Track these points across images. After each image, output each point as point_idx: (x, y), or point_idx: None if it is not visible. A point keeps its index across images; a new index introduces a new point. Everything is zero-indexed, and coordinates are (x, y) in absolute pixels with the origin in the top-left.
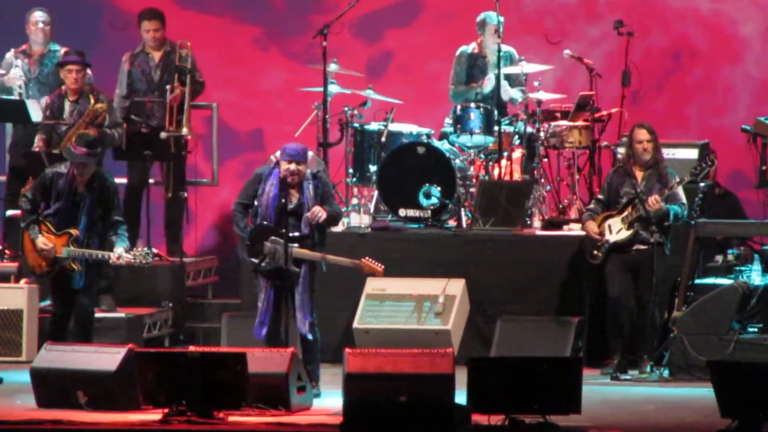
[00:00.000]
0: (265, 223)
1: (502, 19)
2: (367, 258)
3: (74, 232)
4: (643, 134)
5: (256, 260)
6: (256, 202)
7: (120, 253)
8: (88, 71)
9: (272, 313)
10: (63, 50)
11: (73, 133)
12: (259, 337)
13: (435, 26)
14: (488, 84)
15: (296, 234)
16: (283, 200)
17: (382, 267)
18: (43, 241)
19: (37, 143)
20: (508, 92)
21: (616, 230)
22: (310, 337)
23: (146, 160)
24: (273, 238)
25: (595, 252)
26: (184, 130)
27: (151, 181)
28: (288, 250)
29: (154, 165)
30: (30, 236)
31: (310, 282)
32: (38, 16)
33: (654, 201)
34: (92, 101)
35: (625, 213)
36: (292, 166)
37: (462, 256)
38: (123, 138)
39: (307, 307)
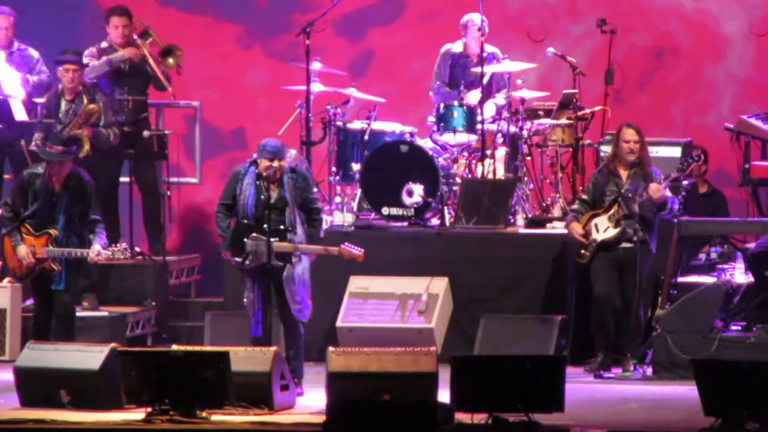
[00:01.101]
0: (244, 221)
1: (485, 19)
2: (345, 244)
3: (53, 232)
4: (630, 134)
5: (239, 260)
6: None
7: (98, 249)
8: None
9: (260, 310)
10: (28, 48)
11: (68, 132)
12: (257, 334)
13: (418, 25)
14: (471, 99)
15: (279, 228)
16: (262, 196)
17: (362, 251)
18: (25, 251)
19: (36, 140)
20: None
21: (603, 228)
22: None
23: (121, 159)
24: (254, 235)
25: (583, 251)
26: (169, 89)
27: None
28: (270, 246)
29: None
30: (12, 243)
31: (300, 273)
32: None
33: (656, 188)
34: (86, 101)
35: (612, 211)
36: (275, 163)
37: (445, 255)
38: (119, 138)
39: (300, 296)
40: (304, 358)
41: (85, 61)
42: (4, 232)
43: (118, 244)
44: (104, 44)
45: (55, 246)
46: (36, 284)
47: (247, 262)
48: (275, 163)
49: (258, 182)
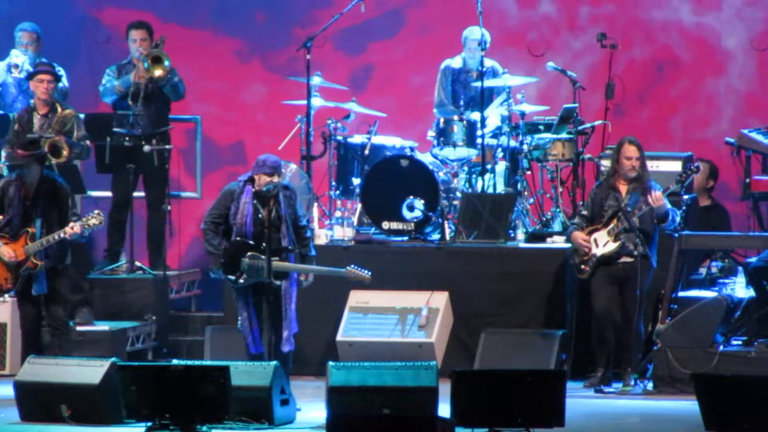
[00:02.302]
0: (239, 239)
1: (488, 34)
2: (352, 266)
3: (31, 230)
4: (632, 151)
5: (233, 277)
6: (230, 221)
7: (71, 224)
8: (62, 83)
9: (258, 328)
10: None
11: (44, 143)
12: (258, 351)
13: (418, 39)
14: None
15: (280, 247)
16: (260, 215)
17: (369, 274)
18: (7, 251)
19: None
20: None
21: (603, 243)
22: (287, 350)
23: (129, 174)
24: (251, 253)
25: (583, 266)
26: (158, 71)
27: (135, 194)
28: (270, 265)
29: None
30: None
31: (296, 294)
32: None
33: (657, 197)
34: (59, 109)
35: (611, 225)
36: (275, 179)
37: (445, 269)
38: (90, 152)
39: (293, 321)
40: (302, 372)
41: (104, 80)
42: None
43: (91, 213)
44: (124, 61)
45: (33, 241)
46: (21, 295)
47: (242, 280)
48: (275, 179)
49: (255, 201)
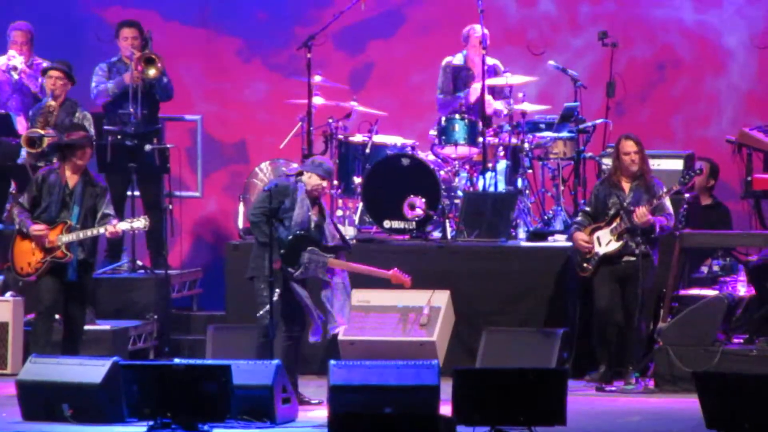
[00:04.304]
0: (302, 233)
1: (487, 32)
2: (396, 269)
3: (69, 222)
4: (630, 146)
5: (291, 269)
6: (281, 215)
7: (115, 222)
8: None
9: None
10: (43, 62)
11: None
12: (319, 338)
13: (418, 37)
14: (473, 93)
15: (338, 245)
16: (310, 213)
17: (409, 278)
18: (36, 227)
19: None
20: (492, 105)
21: (606, 242)
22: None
23: (130, 173)
24: (311, 248)
25: (585, 264)
26: (152, 72)
27: (137, 193)
28: (326, 262)
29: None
30: (21, 230)
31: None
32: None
33: (642, 213)
34: (50, 101)
35: (614, 224)
36: (325, 183)
37: (447, 268)
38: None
39: (345, 311)
40: (305, 371)
41: (94, 80)
42: (17, 225)
43: (137, 217)
44: (114, 59)
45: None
46: (48, 278)
47: (299, 272)
48: (325, 183)
49: (311, 202)
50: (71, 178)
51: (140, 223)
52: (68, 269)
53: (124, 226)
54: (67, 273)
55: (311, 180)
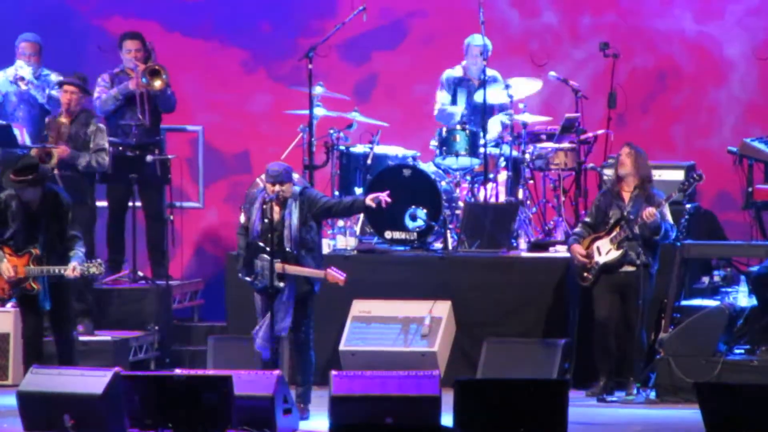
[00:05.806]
0: (253, 241)
1: (489, 44)
2: (330, 268)
3: (35, 251)
4: (625, 151)
5: (249, 279)
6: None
7: (74, 265)
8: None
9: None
10: (51, 74)
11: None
12: (266, 357)
13: (421, 49)
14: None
15: (282, 250)
16: (266, 219)
17: (344, 276)
18: (7, 267)
19: None
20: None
21: (605, 251)
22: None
23: (131, 183)
24: (261, 255)
25: (585, 274)
26: (157, 83)
27: (138, 203)
28: (273, 267)
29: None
30: None
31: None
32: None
33: (650, 213)
34: (62, 117)
35: (614, 234)
36: (276, 187)
37: (448, 279)
38: (106, 164)
39: (288, 315)
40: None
41: (97, 90)
42: None
43: (93, 260)
44: (116, 70)
45: (37, 265)
46: (23, 305)
47: (257, 282)
48: (276, 187)
49: (264, 205)
50: (33, 205)
51: (95, 269)
52: (39, 299)
53: (81, 269)
54: (40, 303)
55: (267, 188)
